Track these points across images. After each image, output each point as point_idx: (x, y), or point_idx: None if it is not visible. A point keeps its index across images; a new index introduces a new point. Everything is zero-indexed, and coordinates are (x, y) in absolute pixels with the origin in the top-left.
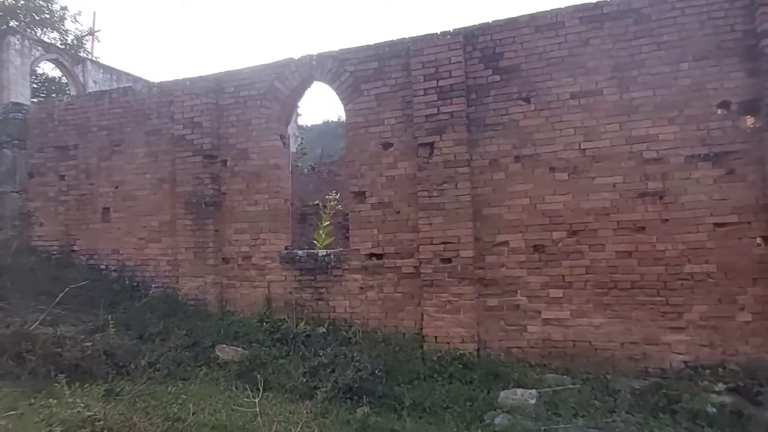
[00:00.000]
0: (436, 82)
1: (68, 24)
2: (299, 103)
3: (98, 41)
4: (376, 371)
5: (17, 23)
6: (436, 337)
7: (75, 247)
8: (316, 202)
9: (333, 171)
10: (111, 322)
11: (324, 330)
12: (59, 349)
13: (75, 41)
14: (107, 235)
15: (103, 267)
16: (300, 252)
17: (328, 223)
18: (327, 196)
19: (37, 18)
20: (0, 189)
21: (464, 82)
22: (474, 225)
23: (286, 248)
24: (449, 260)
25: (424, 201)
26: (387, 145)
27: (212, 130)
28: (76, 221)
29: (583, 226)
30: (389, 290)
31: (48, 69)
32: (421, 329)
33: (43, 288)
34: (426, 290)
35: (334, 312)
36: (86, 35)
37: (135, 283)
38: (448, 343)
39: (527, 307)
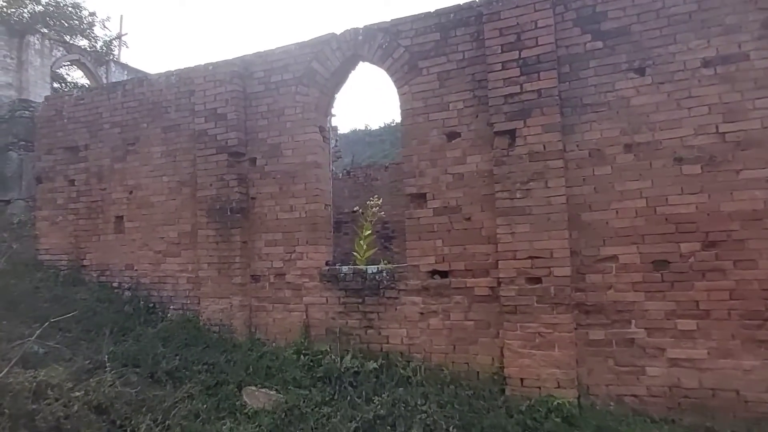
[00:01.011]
0: (518, 53)
1: (97, 30)
2: (342, 89)
3: (126, 47)
4: (450, 429)
5: (47, 31)
6: (522, 379)
7: (85, 262)
8: (354, 209)
9: (370, 175)
10: (113, 358)
11: (376, 366)
12: (35, 405)
13: (104, 47)
14: (120, 248)
15: (115, 284)
16: (344, 269)
17: (369, 232)
18: (369, 202)
19: (66, 25)
20: (6, 196)
21: (555, 52)
22: (570, 235)
23: (327, 264)
24: (538, 280)
25: (504, 204)
26: (453, 135)
27: (239, 123)
28: (87, 232)
29: (724, 235)
30: (458, 317)
31: (78, 76)
32: (502, 368)
33: (44, 311)
34: (508, 318)
35: (388, 343)
36: (114, 39)
37: (150, 305)
38: (539, 387)
39: (646, 342)
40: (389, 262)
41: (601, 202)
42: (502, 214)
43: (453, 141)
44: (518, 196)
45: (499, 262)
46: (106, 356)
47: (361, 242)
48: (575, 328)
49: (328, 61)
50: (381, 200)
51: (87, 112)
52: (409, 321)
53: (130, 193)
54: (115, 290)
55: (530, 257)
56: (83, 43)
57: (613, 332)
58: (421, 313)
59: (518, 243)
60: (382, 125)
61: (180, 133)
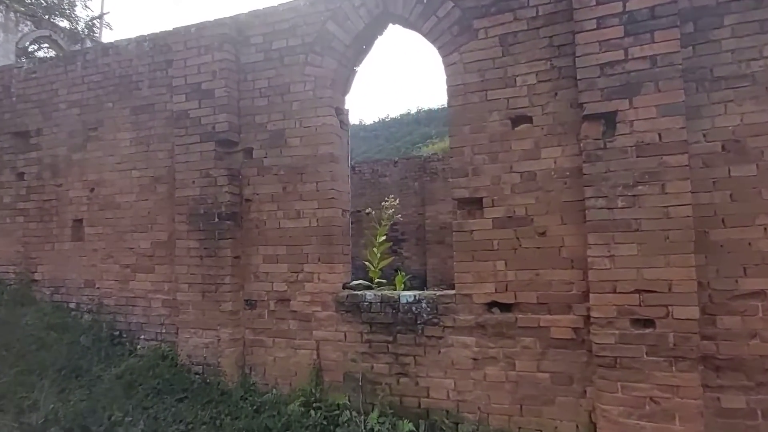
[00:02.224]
0: (621, 4)
1: (79, 11)
2: (365, 60)
3: (110, 29)
4: None
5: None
6: None
7: (36, 275)
8: (366, 210)
9: (377, 171)
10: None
11: (412, 429)
12: None
13: (85, 29)
14: (79, 260)
15: (72, 305)
16: (369, 294)
17: (384, 238)
18: (384, 203)
19: (44, 4)
20: None
21: (675, 3)
22: (696, 260)
23: (345, 287)
24: (650, 323)
25: (598, 216)
26: (521, 120)
27: (230, 103)
28: (39, 238)
29: None
30: (526, 366)
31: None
32: None
33: None
34: (603, 374)
35: (428, 397)
36: (95, 19)
37: (115, 333)
38: None
39: None
40: (398, 270)
41: (741, 216)
42: (596, 230)
43: (521, 128)
44: (620, 204)
45: (590, 295)
46: (43, 419)
47: (375, 250)
48: (703, 392)
49: (349, 22)
50: (397, 201)
51: (40, 89)
52: (457, 369)
53: (92, 190)
54: (72, 313)
55: (638, 290)
56: (64, 24)
57: (758, 399)
58: (475, 359)
59: (620, 270)
60: (377, 120)
61: (154, 116)
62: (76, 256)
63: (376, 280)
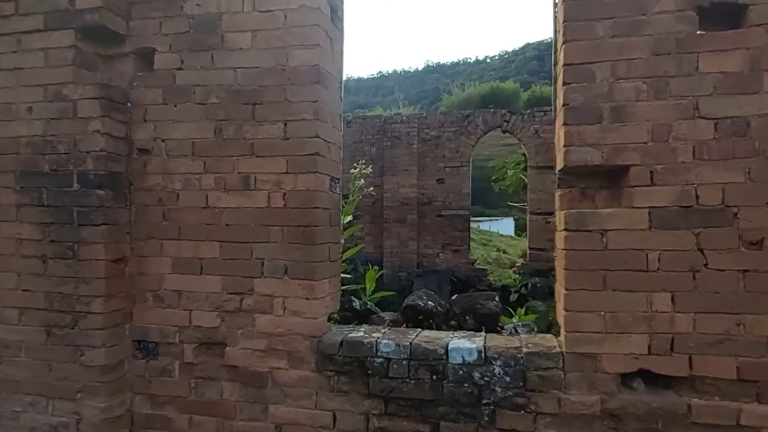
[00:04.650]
0: None
1: None
2: None
3: None
4: None
5: None
6: None
7: None
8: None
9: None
10: None
11: None
12: None
13: None
14: None
15: None
16: (384, 343)
17: (350, 218)
18: (352, 169)
19: None
20: None
21: None
22: None
23: (330, 319)
24: None
25: None
26: (718, 14)
27: None
28: None
29: None
30: None
31: None
32: None
33: None
34: None
35: None
36: None
37: None
38: None
39: None
40: (369, 263)
41: None
42: None
43: (718, 31)
44: None
45: None
46: None
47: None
48: None
49: None
50: (370, 166)
51: None
52: None
53: None
54: None
55: None
56: None
57: None
58: None
59: None
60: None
61: None
62: None
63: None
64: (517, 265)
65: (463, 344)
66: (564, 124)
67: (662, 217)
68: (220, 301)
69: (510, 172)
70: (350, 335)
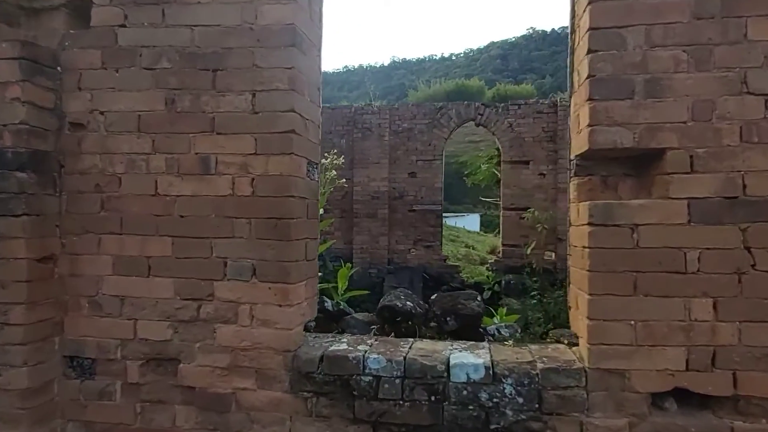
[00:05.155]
0: None
1: None
2: None
3: None
4: None
5: None
6: None
7: None
8: None
9: None
10: None
11: None
12: None
13: None
14: None
15: None
16: (373, 358)
17: (321, 211)
18: (324, 159)
19: None
20: None
21: None
22: None
23: (308, 330)
24: None
25: None
26: None
27: None
28: None
29: None
30: None
31: None
32: None
33: None
34: None
35: None
36: None
37: None
38: None
39: None
40: (341, 260)
41: None
42: None
43: None
44: None
45: None
46: None
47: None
48: None
49: None
50: (342, 157)
51: None
52: None
53: None
54: None
55: None
56: None
57: None
58: None
59: None
60: None
61: None
62: None
63: None
64: (489, 261)
65: (467, 359)
66: (588, 99)
67: (703, 210)
68: (173, 309)
69: (483, 167)
70: (331, 348)
